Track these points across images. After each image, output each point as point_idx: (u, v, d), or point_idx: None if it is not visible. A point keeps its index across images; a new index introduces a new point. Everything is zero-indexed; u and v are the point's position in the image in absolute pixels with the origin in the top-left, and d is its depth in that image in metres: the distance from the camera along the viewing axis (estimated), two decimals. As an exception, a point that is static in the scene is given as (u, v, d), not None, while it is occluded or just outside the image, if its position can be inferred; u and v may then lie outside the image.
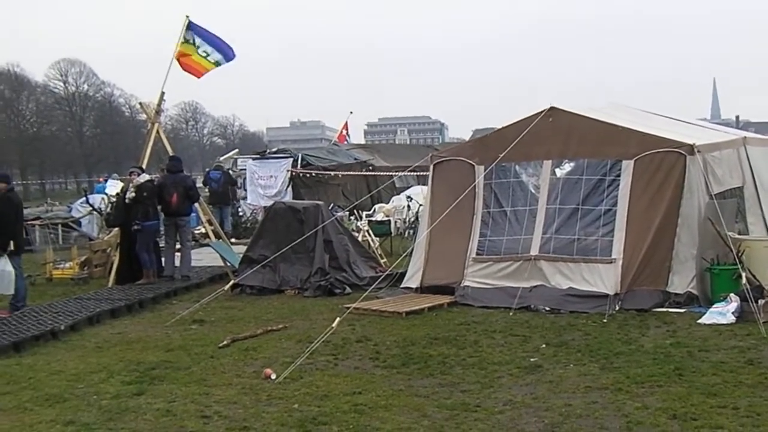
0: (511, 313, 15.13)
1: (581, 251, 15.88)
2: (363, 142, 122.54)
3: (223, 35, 22.91)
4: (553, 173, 16.87)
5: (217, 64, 22.74)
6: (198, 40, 22.48)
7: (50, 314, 16.25)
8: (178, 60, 22.16)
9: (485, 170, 17.14)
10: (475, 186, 17.15)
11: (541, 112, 16.88)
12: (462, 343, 13.01)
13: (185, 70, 22.46)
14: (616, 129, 16.45)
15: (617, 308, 14.95)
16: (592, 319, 14.44)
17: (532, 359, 11.87)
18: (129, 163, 22.30)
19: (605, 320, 14.22)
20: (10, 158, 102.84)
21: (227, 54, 22.91)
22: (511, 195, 17.06)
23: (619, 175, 15.96)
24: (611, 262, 15.52)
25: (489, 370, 11.40)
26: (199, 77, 22.84)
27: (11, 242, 16.94)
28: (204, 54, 22.51)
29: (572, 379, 10.76)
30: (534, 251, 16.25)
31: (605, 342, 12.68)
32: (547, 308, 15.33)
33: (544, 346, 12.66)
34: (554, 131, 16.70)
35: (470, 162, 17.59)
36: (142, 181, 20.25)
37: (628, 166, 15.87)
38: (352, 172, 36.53)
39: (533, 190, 17.03)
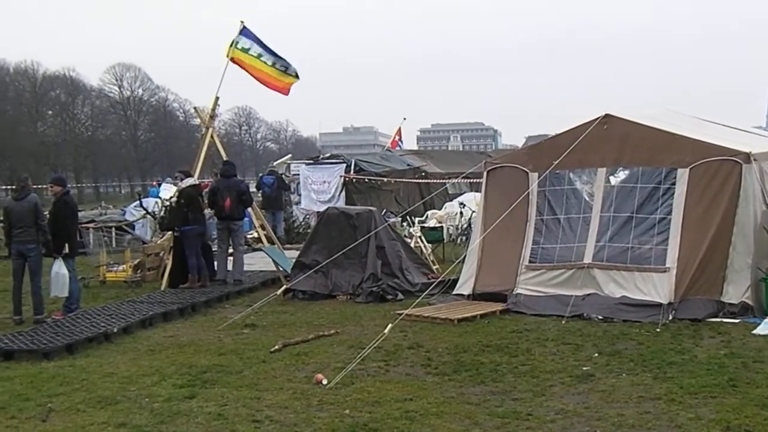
0: (563, 321, 15.05)
1: (635, 260, 15.75)
2: (416, 147, 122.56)
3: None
4: (608, 181, 16.75)
5: (288, 72, 22.92)
6: (248, 42, 22.62)
7: (103, 317, 16.38)
8: (240, 66, 22.34)
9: (539, 177, 17.06)
10: (528, 193, 17.07)
11: (596, 119, 16.75)
12: (514, 351, 12.95)
13: (258, 79, 22.69)
14: (671, 137, 16.30)
15: (671, 317, 14.80)
16: (645, 328, 14.31)
17: (584, 368, 11.79)
18: (183, 168, 22.42)
19: (658, 329, 14.08)
20: (65, 161, 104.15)
21: (283, 60, 23.05)
22: (565, 202, 16.96)
23: (674, 184, 15.80)
24: (665, 271, 15.37)
25: (541, 378, 11.34)
26: (285, 92, 23.18)
27: (66, 245, 17.14)
28: (255, 55, 22.63)
29: (625, 389, 10.68)
30: (587, 259, 16.15)
31: (658, 352, 12.56)
32: (600, 317, 15.23)
33: (596, 355, 12.58)
34: (609, 138, 16.58)
35: (524, 169, 17.51)
36: (184, 186, 20.36)
37: (683, 175, 15.72)
38: (405, 179, 36.50)
39: (587, 198, 16.93)
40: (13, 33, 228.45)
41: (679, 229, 15.53)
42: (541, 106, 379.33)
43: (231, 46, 22.47)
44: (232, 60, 22.46)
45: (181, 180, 20.82)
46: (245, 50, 22.46)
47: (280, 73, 22.85)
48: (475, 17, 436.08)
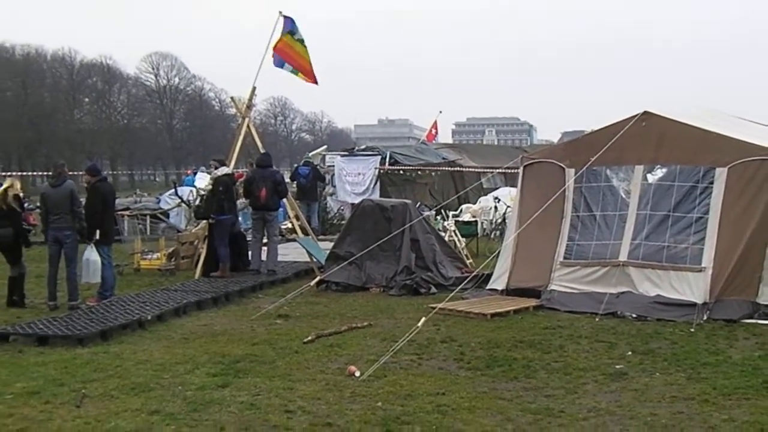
0: (597, 319, 15.00)
1: (670, 258, 15.66)
2: (451, 141, 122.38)
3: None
4: (645, 179, 16.64)
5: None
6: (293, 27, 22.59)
7: (137, 304, 16.48)
8: (280, 52, 22.30)
9: (576, 173, 16.99)
10: (565, 189, 17.02)
11: (635, 116, 16.65)
12: (547, 348, 12.92)
13: (299, 67, 22.64)
14: (710, 135, 16.18)
15: (705, 318, 14.72)
16: (680, 327, 14.23)
17: (617, 366, 11.74)
18: (217, 157, 22.56)
19: (692, 329, 14.00)
20: (101, 149, 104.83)
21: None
22: (601, 199, 16.89)
23: (712, 183, 15.68)
24: (701, 271, 15.27)
25: (574, 375, 11.31)
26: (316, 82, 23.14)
27: (97, 231, 17.22)
28: (300, 39, 22.61)
29: (658, 388, 10.63)
30: (622, 257, 16.07)
31: (692, 352, 12.49)
32: (634, 315, 15.16)
33: (630, 353, 12.52)
34: (647, 136, 16.47)
35: (561, 165, 17.44)
36: (219, 174, 20.43)
37: (721, 174, 15.60)
38: (441, 169, 36.46)
39: (624, 195, 16.84)
40: (50, 21, 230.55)
41: (715, 229, 15.41)
42: (576, 101, 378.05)
43: (287, 34, 22.38)
44: (276, 48, 22.40)
45: (216, 168, 20.90)
46: (292, 34, 22.35)
47: (297, 42, 22.69)
48: (514, 15, 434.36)
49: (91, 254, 17.12)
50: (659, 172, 16.76)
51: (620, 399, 10.20)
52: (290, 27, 22.27)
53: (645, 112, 16.66)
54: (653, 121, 16.56)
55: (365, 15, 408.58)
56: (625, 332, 14.00)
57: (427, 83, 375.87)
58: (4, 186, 17.81)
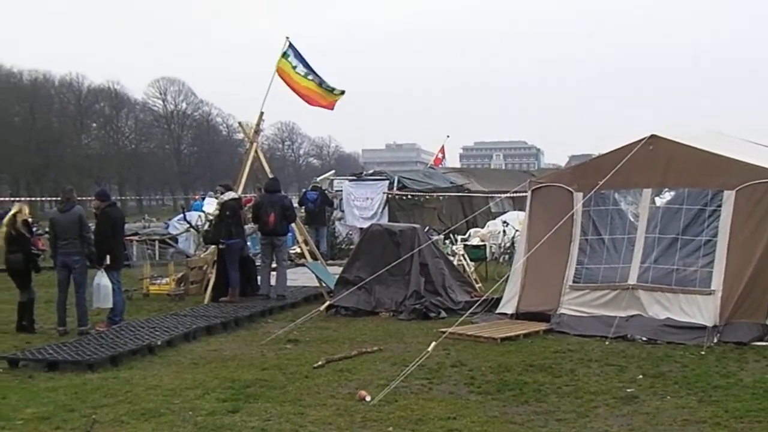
0: (607, 343, 14.98)
1: (680, 282, 15.65)
2: (458, 165, 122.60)
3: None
4: (653, 202, 16.67)
5: (334, 90, 23.08)
6: (294, 60, 22.79)
7: (147, 329, 16.50)
8: (282, 78, 22.50)
9: (584, 197, 17.00)
10: (573, 213, 17.03)
11: (642, 139, 16.67)
12: (557, 371, 12.92)
13: (302, 96, 22.86)
14: (717, 158, 16.19)
15: (715, 340, 14.69)
16: (690, 350, 14.21)
17: (628, 390, 11.73)
18: (223, 182, 22.77)
19: (703, 352, 13.97)
20: (109, 174, 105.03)
21: (323, 80, 23.22)
22: (610, 223, 16.89)
23: (720, 206, 15.69)
24: (710, 294, 15.26)
25: (585, 399, 11.30)
26: (330, 108, 23.38)
27: (107, 256, 17.28)
28: (302, 74, 22.79)
29: (669, 412, 10.62)
30: (632, 280, 16.07)
31: (703, 375, 12.48)
32: (644, 338, 15.14)
33: (640, 376, 12.51)
34: (655, 159, 16.48)
35: (569, 188, 17.46)
36: (226, 199, 20.51)
37: (729, 197, 15.61)
38: (449, 194, 36.46)
39: (632, 219, 16.82)
40: (58, 46, 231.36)
41: (724, 252, 15.40)
42: (583, 126, 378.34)
43: (282, 57, 22.62)
44: (279, 72, 22.58)
45: (222, 194, 20.98)
46: (293, 67, 22.61)
47: (327, 91, 23.01)
48: (521, 39, 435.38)
49: (102, 279, 17.17)
50: (667, 195, 16.77)
51: (632, 422, 10.19)
52: (295, 60, 22.52)
53: (652, 136, 16.67)
54: (660, 145, 16.57)
55: (372, 42, 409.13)
56: (635, 355, 13.99)
57: (436, 107, 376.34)
58: (13, 211, 17.91)
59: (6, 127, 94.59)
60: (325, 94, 23.05)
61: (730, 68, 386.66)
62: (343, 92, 23.39)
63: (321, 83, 22.92)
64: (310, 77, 22.75)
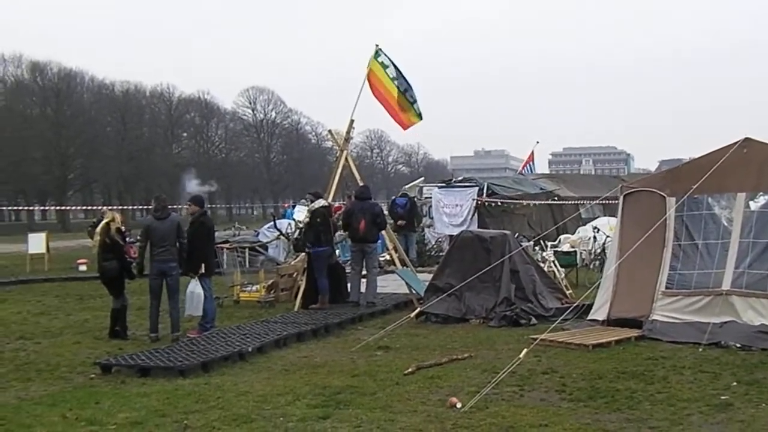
0: (700, 349, 14.77)
1: (775, 287, 15.42)
2: (547, 171, 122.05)
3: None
4: (747, 206, 16.41)
5: (414, 106, 23.05)
6: (387, 60, 22.78)
7: (238, 336, 16.63)
8: (370, 82, 22.52)
9: (677, 202, 16.81)
10: (666, 218, 16.84)
11: (735, 143, 16.47)
12: (650, 378, 12.77)
13: (384, 103, 22.85)
14: (813, 162, 15.95)
15: (811, 347, 14.47)
16: (785, 357, 14.00)
17: (722, 397, 11.56)
18: (313, 190, 22.91)
19: (799, 359, 13.77)
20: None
21: (412, 91, 23.18)
22: (703, 228, 16.66)
23: (815, 210, 15.45)
24: (805, 300, 15.03)
25: (678, 407, 11.15)
26: (404, 127, 23.38)
27: (202, 265, 17.47)
28: (391, 76, 22.78)
29: (764, 419, 10.44)
30: (726, 286, 15.82)
31: (800, 382, 12.28)
32: (738, 345, 14.90)
33: (735, 384, 12.31)
34: (748, 163, 16.24)
35: (661, 193, 17.27)
36: (316, 206, 20.62)
37: (824, 200, 15.37)
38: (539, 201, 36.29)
39: (726, 223, 16.57)
40: (149, 58, 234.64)
41: (819, 257, 15.16)
42: (674, 130, 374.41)
43: (373, 58, 22.64)
44: (369, 76, 22.60)
45: (312, 201, 21.12)
46: (384, 66, 22.60)
47: (408, 104, 22.95)
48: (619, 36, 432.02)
49: (196, 287, 17.37)
50: (762, 200, 16.50)
51: (726, 431, 10.05)
52: (387, 61, 22.49)
53: (746, 139, 16.45)
54: (754, 148, 16.33)
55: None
56: (729, 362, 13.78)
57: (523, 113, 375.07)
58: (106, 220, 18.16)
59: (99, 137, 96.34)
60: (406, 107, 22.95)
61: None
62: (420, 116, 23.31)
63: (406, 90, 22.83)
64: (396, 82, 22.71)
